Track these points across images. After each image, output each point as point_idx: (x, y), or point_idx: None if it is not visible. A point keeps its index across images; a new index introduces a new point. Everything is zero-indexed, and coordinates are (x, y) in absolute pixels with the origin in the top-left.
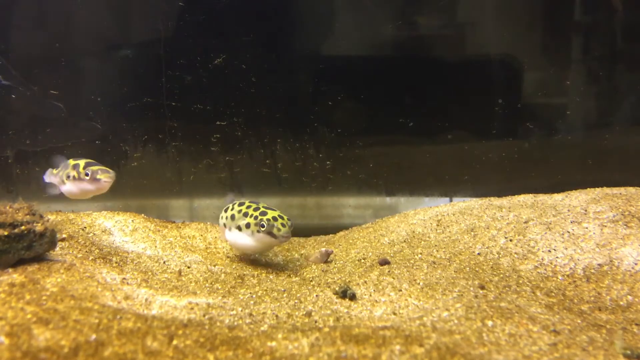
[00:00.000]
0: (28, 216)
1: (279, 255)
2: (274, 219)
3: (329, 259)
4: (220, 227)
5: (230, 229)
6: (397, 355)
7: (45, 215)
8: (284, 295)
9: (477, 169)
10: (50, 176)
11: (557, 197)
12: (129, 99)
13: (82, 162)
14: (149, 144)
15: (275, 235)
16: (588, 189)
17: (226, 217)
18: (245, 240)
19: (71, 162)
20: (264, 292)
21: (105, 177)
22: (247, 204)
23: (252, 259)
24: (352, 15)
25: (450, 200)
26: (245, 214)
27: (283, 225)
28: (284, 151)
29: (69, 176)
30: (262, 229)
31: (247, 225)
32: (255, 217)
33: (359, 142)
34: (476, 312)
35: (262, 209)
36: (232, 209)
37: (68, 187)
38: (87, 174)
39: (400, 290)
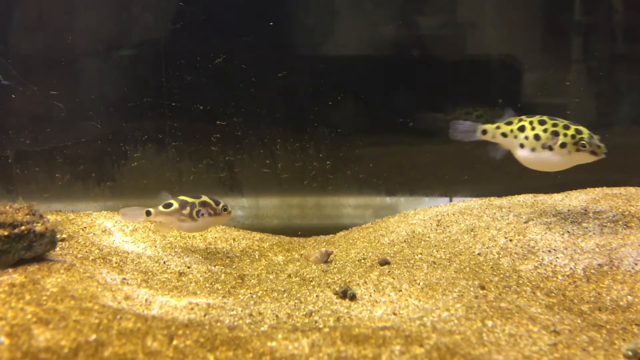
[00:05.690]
0: (28, 216)
1: (279, 255)
2: (590, 136)
3: (329, 259)
4: (503, 142)
5: (533, 149)
6: (397, 355)
7: (45, 215)
8: (284, 295)
9: (477, 169)
10: (159, 215)
11: (557, 197)
12: (129, 99)
13: (208, 199)
14: (149, 144)
15: (597, 153)
16: (588, 189)
17: (525, 137)
18: (555, 159)
19: (205, 198)
20: (264, 293)
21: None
22: (548, 121)
23: (252, 259)
24: (353, 14)
25: (450, 200)
26: (555, 133)
27: (599, 141)
28: (284, 151)
29: (201, 213)
30: (584, 149)
31: (563, 145)
32: (573, 137)
33: (359, 142)
34: (476, 312)
35: (570, 126)
36: (532, 128)
37: (199, 224)
38: (224, 209)
39: (401, 291)
